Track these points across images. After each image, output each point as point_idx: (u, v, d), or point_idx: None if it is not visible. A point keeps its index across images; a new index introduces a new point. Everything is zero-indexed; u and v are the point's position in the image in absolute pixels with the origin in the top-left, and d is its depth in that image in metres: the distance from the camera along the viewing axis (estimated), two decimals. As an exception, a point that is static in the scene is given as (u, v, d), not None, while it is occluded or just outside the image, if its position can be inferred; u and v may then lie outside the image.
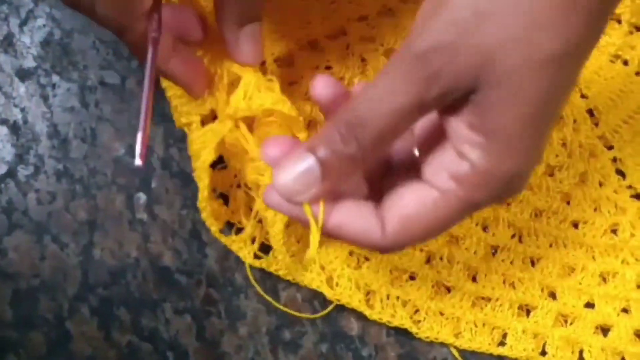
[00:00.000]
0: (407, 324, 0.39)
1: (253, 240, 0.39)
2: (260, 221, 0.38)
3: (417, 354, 0.40)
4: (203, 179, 0.35)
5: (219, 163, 0.38)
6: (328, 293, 0.38)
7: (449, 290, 0.40)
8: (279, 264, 0.39)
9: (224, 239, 0.38)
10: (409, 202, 0.27)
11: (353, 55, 0.40)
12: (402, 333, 0.39)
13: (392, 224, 0.27)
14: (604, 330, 0.40)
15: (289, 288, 0.40)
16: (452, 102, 0.25)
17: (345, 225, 0.28)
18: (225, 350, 0.39)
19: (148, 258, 0.40)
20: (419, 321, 0.39)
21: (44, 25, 0.41)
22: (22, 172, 0.40)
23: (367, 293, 0.39)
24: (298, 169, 0.27)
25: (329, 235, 0.29)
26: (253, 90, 0.32)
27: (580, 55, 0.25)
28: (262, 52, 0.33)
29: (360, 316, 0.40)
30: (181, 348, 0.39)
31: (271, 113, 0.32)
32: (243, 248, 0.39)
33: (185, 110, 0.35)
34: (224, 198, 0.39)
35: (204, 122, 0.35)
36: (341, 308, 0.39)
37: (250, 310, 0.40)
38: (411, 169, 0.29)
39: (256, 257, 0.39)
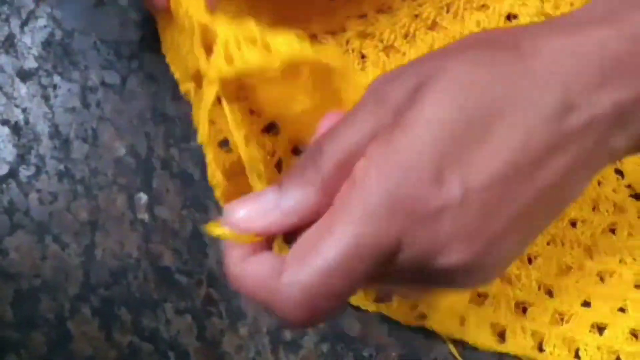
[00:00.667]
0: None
1: None
2: None
3: (419, 354, 0.40)
4: (207, 153, 0.32)
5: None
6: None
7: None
8: None
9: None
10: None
11: (353, 52, 0.40)
12: (403, 333, 0.39)
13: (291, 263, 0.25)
14: (600, 329, 0.40)
15: (290, 288, 0.40)
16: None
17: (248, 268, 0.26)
18: (226, 350, 0.39)
19: (149, 258, 0.40)
20: None
21: (45, 26, 0.41)
22: (24, 172, 0.40)
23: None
24: (253, 201, 0.25)
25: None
26: (233, 49, 0.26)
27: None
28: None
29: (361, 316, 0.40)
30: (182, 348, 0.39)
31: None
32: None
33: (179, 78, 0.33)
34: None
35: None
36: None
37: (251, 311, 0.40)
38: None
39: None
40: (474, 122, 0.23)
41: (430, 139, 0.23)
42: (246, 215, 0.25)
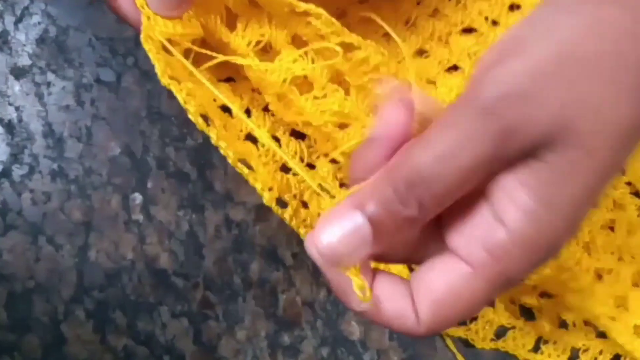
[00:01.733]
0: None
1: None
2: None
3: (420, 358, 0.39)
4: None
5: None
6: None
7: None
8: None
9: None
10: (438, 283, 0.24)
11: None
12: (404, 337, 0.38)
13: (425, 312, 0.24)
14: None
15: (288, 291, 0.39)
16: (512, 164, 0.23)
17: (381, 305, 0.25)
18: (223, 355, 0.38)
19: (144, 260, 0.39)
20: None
21: (39, 23, 0.40)
22: (17, 171, 0.39)
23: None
24: (344, 228, 0.23)
25: (362, 315, 0.26)
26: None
27: None
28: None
29: (361, 320, 0.39)
30: (178, 352, 0.38)
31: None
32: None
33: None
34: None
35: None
36: (342, 312, 0.38)
37: (249, 314, 0.39)
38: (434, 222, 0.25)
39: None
40: None
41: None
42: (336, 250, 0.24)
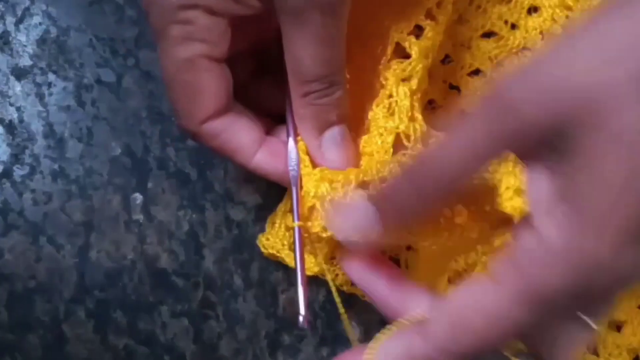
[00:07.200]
0: None
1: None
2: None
3: (420, 359, 0.39)
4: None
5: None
6: None
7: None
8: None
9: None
10: (458, 297, 0.23)
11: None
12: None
13: (443, 327, 0.24)
14: (618, 326, 0.39)
15: (288, 291, 0.39)
16: (535, 151, 0.21)
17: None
18: (223, 354, 0.39)
19: (144, 260, 0.39)
20: None
21: (40, 24, 0.40)
22: (18, 172, 0.39)
23: None
24: (353, 211, 0.26)
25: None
26: None
27: None
28: (350, 156, 0.32)
29: (361, 319, 0.39)
30: (178, 351, 0.38)
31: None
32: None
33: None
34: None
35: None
36: (342, 311, 0.38)
37: (249, 314, 0.39)
38: None
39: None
40: None
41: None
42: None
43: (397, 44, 0.38)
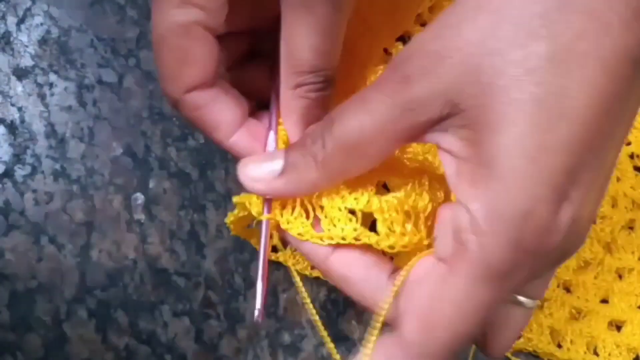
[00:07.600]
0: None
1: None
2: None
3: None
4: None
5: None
6: None
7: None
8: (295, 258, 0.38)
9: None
10: (420, 294, 0.23)
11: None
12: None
13: (412, 330, 0.23)
14: (618, 326, 0.39)
15: (289, 290, 0.39)
16: (441, 128, 0.23)
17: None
18: (224, 354, 0.39)
19: (146, 260, 0.39)
20: None
21: (42, 24, 0.40)
22: (19, 172, 0.39)
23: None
24: (264, 161, 0.27)
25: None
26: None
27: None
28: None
29: (361, 319, 0.39)
30: (179, 351, 0.39)
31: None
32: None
33: None
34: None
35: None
36: (342, 311, 0.39)
37: (250, 313, 0.39)
38: None
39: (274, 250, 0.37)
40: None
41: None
42: (252, 175, 0.27)
43: (385, 50, 0.38)
